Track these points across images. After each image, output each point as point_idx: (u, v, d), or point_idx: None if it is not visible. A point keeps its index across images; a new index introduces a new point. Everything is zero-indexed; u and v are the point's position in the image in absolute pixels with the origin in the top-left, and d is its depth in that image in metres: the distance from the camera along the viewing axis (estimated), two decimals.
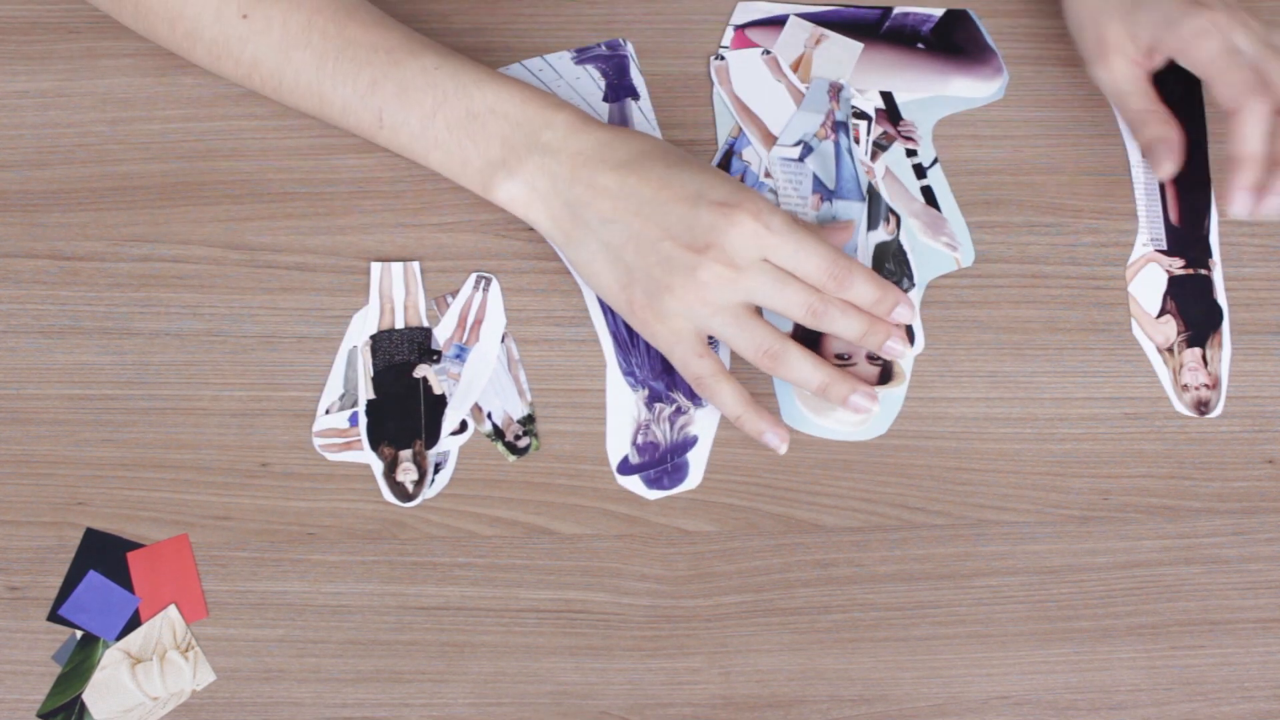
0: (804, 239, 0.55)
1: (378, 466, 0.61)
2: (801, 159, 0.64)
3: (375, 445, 0.61)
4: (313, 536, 0.60)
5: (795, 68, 0.67)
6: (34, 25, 0.66)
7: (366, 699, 0.59)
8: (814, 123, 0.65)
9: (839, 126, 0.64)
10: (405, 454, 0.61)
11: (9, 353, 0.62)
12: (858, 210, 0.62)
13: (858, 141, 0.65)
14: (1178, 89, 0.68)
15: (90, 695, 0.58)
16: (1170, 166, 0.60)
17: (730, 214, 0.54)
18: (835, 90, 0.65)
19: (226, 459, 0.61)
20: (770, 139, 0.65)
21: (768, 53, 0.66)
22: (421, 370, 0.62)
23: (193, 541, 0.60)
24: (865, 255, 0.62)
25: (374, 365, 0.62)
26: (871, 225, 0.63)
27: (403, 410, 0.61)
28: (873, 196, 0.63)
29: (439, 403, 0.62)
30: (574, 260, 0.59)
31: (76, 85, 0.66)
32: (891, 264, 0.64)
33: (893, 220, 0.62)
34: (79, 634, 0.59)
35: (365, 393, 0.62)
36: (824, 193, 0.63)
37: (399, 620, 0.59)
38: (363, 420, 0.61)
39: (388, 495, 0.60)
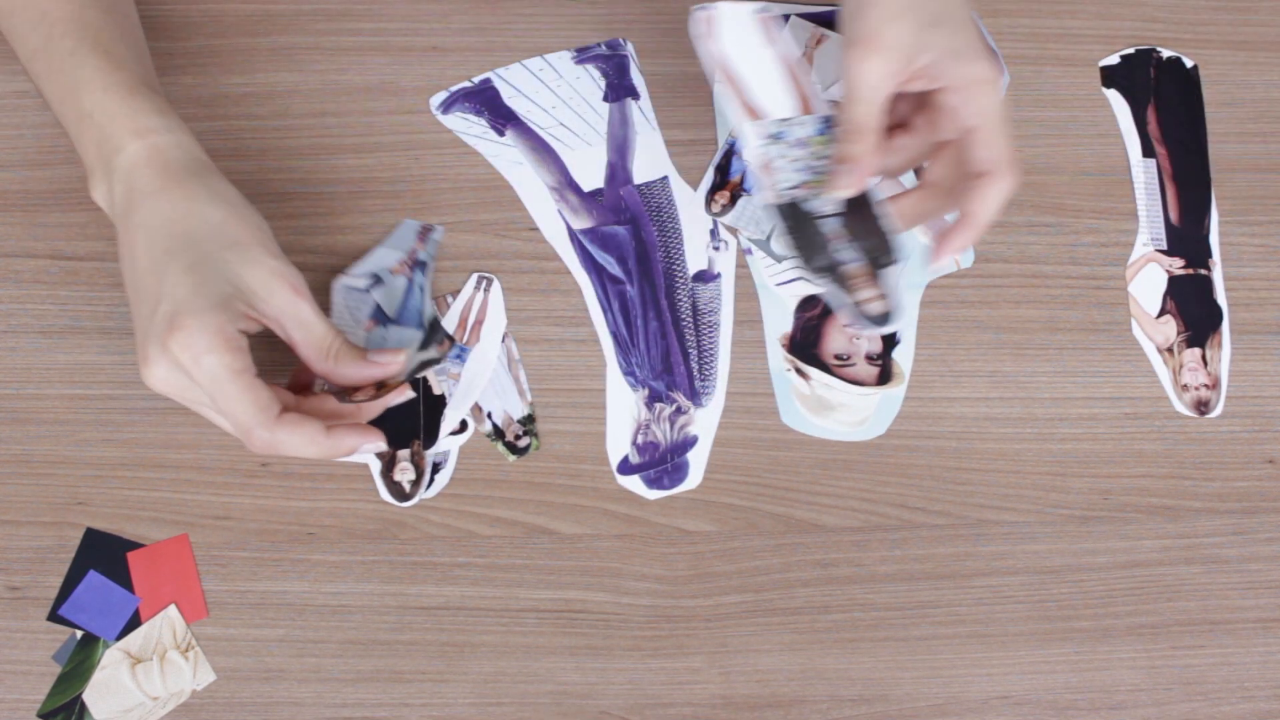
0: (219, 395, 0.51)
1: (375, 466, 0.61)
2: (368, 290, 0.61)
3: None
4: (313, 536, 0.60)
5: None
6: None
7: (366, 699, 0.59)
8: (392, 259, 0.62)
9: (418, 265, 0.62)
10: (403, 454, 0.61)
11: (9, 353, 0.62)
12: (412, 335, 0.60)
13: None
14: (1177, 87, 0.68)
15: (90, 695, 0.58)
16: (844, 190, 0.55)
17: (169, 334, 0.50)
18: (425, 232, 0.62)
19: (226, 459, 0.61)
20: (750, 112, 0.57)
21: (766, 10, 0.60)
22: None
23: (193, 541, 0.60)
24: (410, 366, 0.58)
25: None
26: (423, 346, 0.60)
27: (401, 410, 0.61)
28: (432, 326, 0.60)
29: (437, 403, 0.62)
30: (121, 267, 0.56)
31: None
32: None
33: (446, 344, 0.60)
34: (79, 634, 0.59)
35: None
36: (381, 319, 0.61)
37: (399, 620, 0.59)
38: None
39: (385, 495, 0.60)
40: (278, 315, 0.53)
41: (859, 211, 0.55)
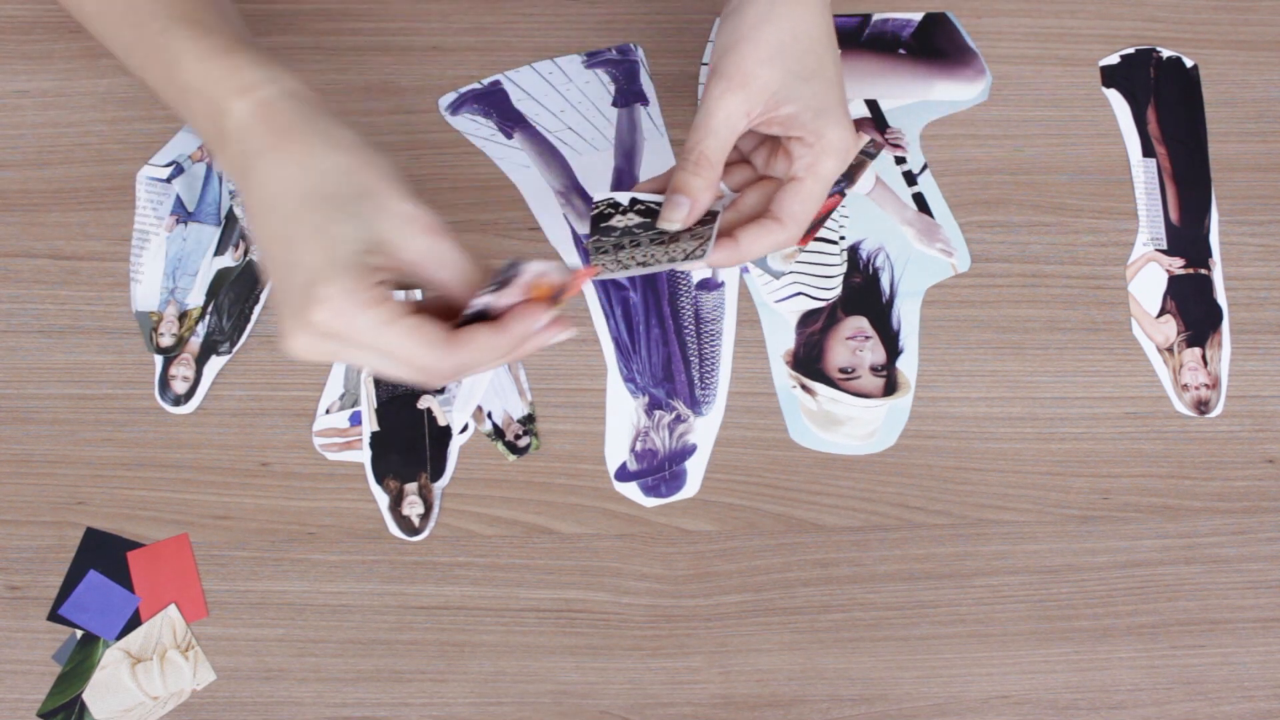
0: (387, 347, 0.48)
1: (383, 500, 0.60)
2: (170, 180, 0.62)
3: (380, 479, 0.61)
4: (313, 536, 0.60)
5: None
6: (34, 25, 0.66)
7: (367, 698, 0.59)
8: (193, 145, 0.64)
9: None
10: (411, 487, 0.61)
11: (9, 352, 0.62)
12: (210, 234, 0.61)
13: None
14: (1177, 87, 0.68)
15: (90, 695, 0.58)
16: (674, 224, 0.54)
17: (307, 307, 0.47)
18: None
19: (226, 459, 0.61)
20: None
21: None
22: (425, 402, 0.62)
23: (193, 541, 0.60)
24: (207, 277, 0.61)
25: (377, 397, 0.62)
26: (219, 250, 0.61)
27: (407, 443, 0.61)
28: (228, 221, 0.61)
29: (444, 435, 0.61)
30: (251, 237, 0.54)
31: (76, 85, 0.66)
32: (230, 291, 0.62)
33: (241, 247, 0.59)
34: (79, 633, 0.59)
35: (369, 425, 0.61)
36: (182, 214, 0.62)
37: (399, 620, 0.59)
38: (368, 454, 0.61)
39: (394, 530, 0.60)
40: (416, 260, 0.49)
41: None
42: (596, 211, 0.54)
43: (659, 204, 0.54)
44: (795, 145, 0.54)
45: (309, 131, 0.50)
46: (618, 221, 0.54)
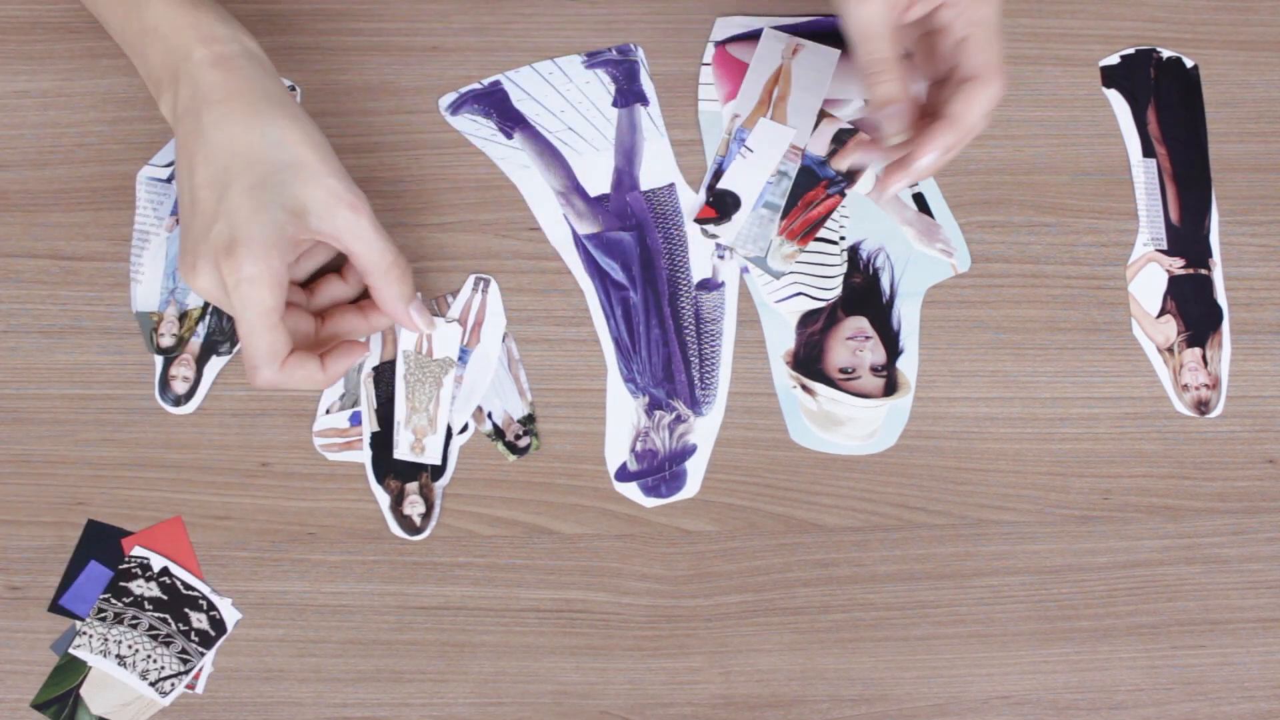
0: (240, 326, 0.53)
1: (384, 500, 0.60)
2: (170, 180, 0.63)
3: (381, 479, 0.61)
4: (313, 536, 0.60)
5: (775, 80, 0.67)
6: (34, 25, 0.66)
7: (367, 699, 0.59)
8: None
9: None
10: (411, 487, 0.61)
11: (9, 353, 0.62)
12: None
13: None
14: (1177, 87, 0.68)
15: (88, 689, 0.58)
16: (895, 134, 0.56)
17: (227, 256, 0.52)
18: None
19: (226, 459, 0.61)
20: None
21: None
22: None
23: (193, 541, 0.60)
24: None
25: (377, 397, 0.62)
26: None
27: None
28: None
29: (443, 434, 0.61)
30: (178, 170, 0.57)
31: (76, 85, 0.66)
32: None
33: None
34: (79, 625, 0.59)
35: (370, 425, 0.61)
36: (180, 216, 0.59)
37: (399, 620, 0.59)
38: (368, 454, 0.61)
39: (395, 529, 0.60)
40: (335, 232, 0.54)
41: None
42: None
43: None
44: (943, 12, 0.55)
45: (257, 94, 0.54)
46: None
